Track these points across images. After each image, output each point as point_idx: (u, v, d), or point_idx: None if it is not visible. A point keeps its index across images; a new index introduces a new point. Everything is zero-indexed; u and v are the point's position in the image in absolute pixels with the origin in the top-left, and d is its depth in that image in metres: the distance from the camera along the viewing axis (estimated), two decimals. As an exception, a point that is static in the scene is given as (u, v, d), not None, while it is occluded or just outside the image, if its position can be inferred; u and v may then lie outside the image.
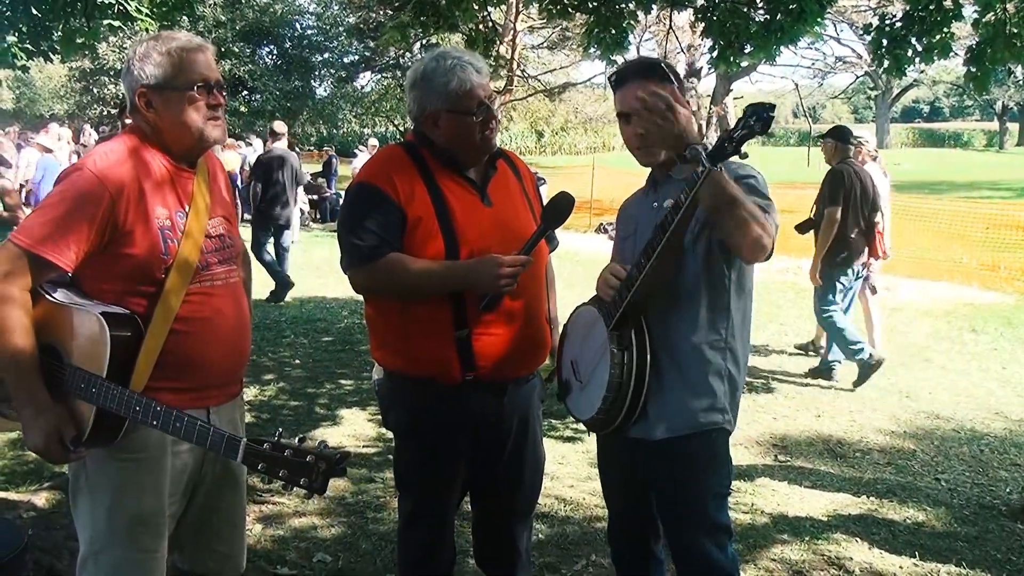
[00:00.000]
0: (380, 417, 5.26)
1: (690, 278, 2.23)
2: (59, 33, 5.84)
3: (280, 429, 1.86)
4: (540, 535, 3.66)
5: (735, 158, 2.09)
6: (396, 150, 2.51)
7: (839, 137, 6.28)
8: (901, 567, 3.51)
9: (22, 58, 5.79)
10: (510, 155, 2.67)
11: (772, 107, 1.94)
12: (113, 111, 28.58)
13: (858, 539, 3.74)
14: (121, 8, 5.75)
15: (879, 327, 6.80)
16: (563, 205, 2.38)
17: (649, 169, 2.41)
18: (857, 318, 6.72)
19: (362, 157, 18.52)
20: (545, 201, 2.54)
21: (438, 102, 2.36)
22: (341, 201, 14.99)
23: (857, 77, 48.76)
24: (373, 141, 17.79)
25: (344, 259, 2.43)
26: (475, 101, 2.35)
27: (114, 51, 26.66)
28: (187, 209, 2.08)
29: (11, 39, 5.66)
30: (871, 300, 6.72)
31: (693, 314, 2.23)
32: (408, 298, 2.40)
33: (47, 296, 2.01)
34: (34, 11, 5.55)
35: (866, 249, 6.19)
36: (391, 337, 2.47)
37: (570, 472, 4.42)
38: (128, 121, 2.15)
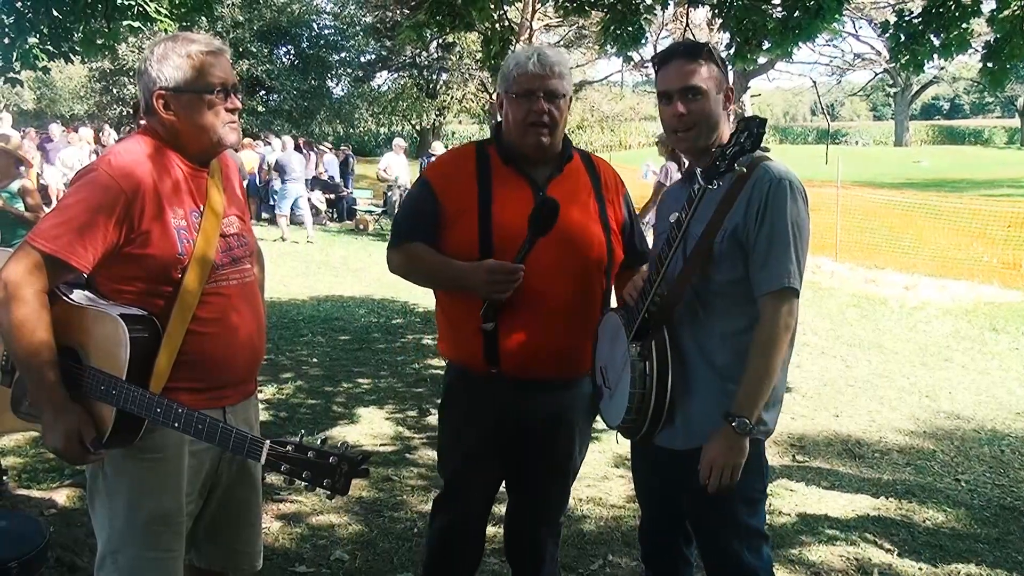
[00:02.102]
0: (397, 416, 5.32)
1: (720, 285, 2.17)
2: (79, 34, 5.88)
3: (302, 431, 1.87)
4: (557, 534, 3.66)
5: (774, 158, 2.12)
6: (466, 147, 2.63)
7: None
8: (920, 568, 3.48)
9: (43, 59, 5.84)
10: (594, 159, 2.65)
11: (764, 122, 1.91)
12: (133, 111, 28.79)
13: (877, 540, 3.71)
14: (141, 9, 5.79)
15: None
16: (545, 211, 2.33)
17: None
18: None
19: (328, 157, 18.59)
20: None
21: (502, 84, 2.46)
22: (358, 200, 15.10)
23: (876, 74, 48.35)
24: (400, 141, 17.73)
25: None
26: (526, 87, 2.37)
27: (133, 52, 26.81)
28: (202, 209, 2.08)
29: (32, 40, 5.70)
30: None
31: (725, 321, 2.18)
32: (423, 285, 2.67)
33: (65, 298, 2.00)
34: (55, 12, 5.60)
35: None
36: (440, 325, 2.64)
37: (588, 471, 4.40)
38: (143, 120, 2.15)
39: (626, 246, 2.58)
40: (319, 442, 1.79)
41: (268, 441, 1.80)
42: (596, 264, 2.48)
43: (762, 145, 1.99)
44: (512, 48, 6.59)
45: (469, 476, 2.59)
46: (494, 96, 2.58)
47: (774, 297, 2.11)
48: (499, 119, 2.53)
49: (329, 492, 1.75)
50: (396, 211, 2.69)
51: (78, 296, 2.03)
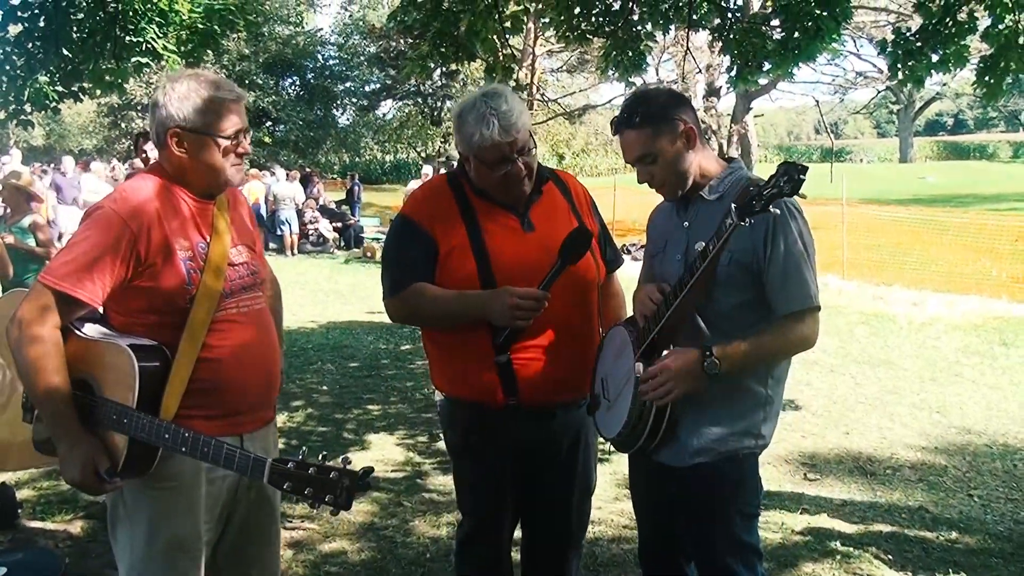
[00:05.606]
0: (408, 442, 5.33)
1: (724, 306, 2.20)
2: (89, 72, 5.97)
3: (304, 448, 1.90)
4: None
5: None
6: (439, 181, 2.59)
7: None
8: (935, 585, 3.47)
9: (54, 99, 5.93)
10: (561, 175, 2.64)
11: (804, 169, 1.91)
12: (141, 145, 29.05)
13: (891, 557, 3.70)
14: (149, 46, 5.90)
15: None
16: (579, 241, 2.36)
17: None
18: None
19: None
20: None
21: (465, 149, 2.41)
22: (365, 228, 15.28)
23: (879, 91, 48.37)
24: (427, 170, 17.84)
25: (383, 290, 2.53)
26: (498, 156, 2.33)
27: (141, 86, 27.19)
28: (208, 240, 2.14)
29: (43, 79, 5.80)
30: None
31: (729, 340, 2.18)
32: (434, 326, 2.52)
33: (77, 332, 2.07)
34: (64, 52, 5.69)
35: None
36: (440, 363, 2.55)
37: (599, 493, 4.34)
38: (148, 154, 2.22)
39: (602, 255, 2.60)
40: (320, 459, 1.82)
41: (270, 460, 1.84)
42: (592, 282, 2.51)
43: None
44: (513, 77, 6.65)
45: (500, 511, 2.57)
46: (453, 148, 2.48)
47: (800, 315, 2.18)
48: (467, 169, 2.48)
49: (332, 508, 1.78)
50: (384, 261, 2.59)
51: (90, 329, 2.10)
